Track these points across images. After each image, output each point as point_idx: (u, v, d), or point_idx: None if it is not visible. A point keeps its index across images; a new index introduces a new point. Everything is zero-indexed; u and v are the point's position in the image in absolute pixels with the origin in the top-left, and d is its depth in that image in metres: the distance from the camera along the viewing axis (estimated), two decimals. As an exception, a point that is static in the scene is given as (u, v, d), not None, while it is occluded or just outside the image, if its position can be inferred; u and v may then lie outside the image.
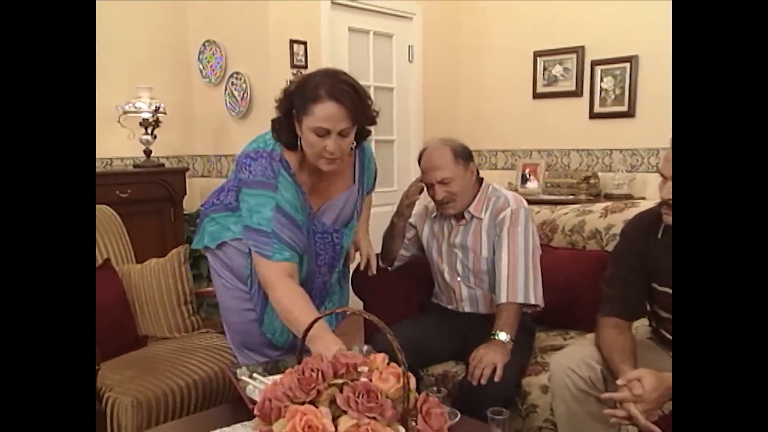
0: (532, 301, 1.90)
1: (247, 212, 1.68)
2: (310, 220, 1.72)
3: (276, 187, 1.65)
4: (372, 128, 1.75)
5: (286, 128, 1.65)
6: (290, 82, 1.70)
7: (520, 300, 1.88)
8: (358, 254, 2.08)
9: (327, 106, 1.55)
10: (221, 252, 1.82)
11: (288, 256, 1.65)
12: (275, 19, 3.50)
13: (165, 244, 3.40)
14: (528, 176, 4.21)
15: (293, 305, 1.59)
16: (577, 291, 2.15)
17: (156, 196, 3.38)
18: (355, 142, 1.71)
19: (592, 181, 3.80)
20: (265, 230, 1.64)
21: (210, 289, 2.45)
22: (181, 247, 2.33)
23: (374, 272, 2.07)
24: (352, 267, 2.12)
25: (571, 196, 3.82)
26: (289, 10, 3.54)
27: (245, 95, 3.60)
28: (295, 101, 1.61)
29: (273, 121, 1.69)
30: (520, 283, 1.89)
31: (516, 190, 4.06)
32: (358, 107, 1.59)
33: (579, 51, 4.04)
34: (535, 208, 2.50)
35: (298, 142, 1.63)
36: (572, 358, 1.58)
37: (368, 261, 2.07)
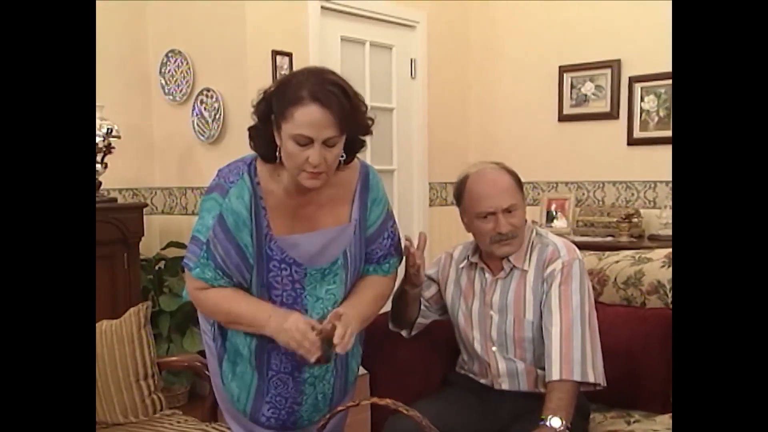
0: (591, 379, 1.79)
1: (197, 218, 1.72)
2: (265, 242, 1.67)
3: (227, 192, 1.66)
4: (367, 139, 1.74)
5: (263, 136, 1.65)
6: (271, 84, 1.69)
7: (577, 378, 1.77)
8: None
9: (310, 110, 1.53)
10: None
11: (210, 276, 1.66)
12: (254, 25, 3.45)
13: (116, 297, 3.29)
14: (555, 213, 4.15)
15: (231, 301, 1.66)
16: (639, 360, 2.05)
17: (106, 237, 3.24)
18: (344, 156, 1.67)
19: (634, 219, 3.73)
20: (200, 238, 1.66)
21: (176, 358, 2.30)
22: (141, 306, 2.19)
23: (342, 345, 1.61)
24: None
25: (609, 237, 3.75)
26: (270, 15, 3.50)
27: (217, 116, 3.54)
28: (274, 104, 1.60)
29: (249, 129, 1.70)
30: (577, 356, 1.78)
31: (541, 230, 3.97)
32: (348, 113, 1.57)
33: (614, 65, 4.02)
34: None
35: (277, 154, 1.63)
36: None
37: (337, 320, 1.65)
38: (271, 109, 1.60)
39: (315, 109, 1.53)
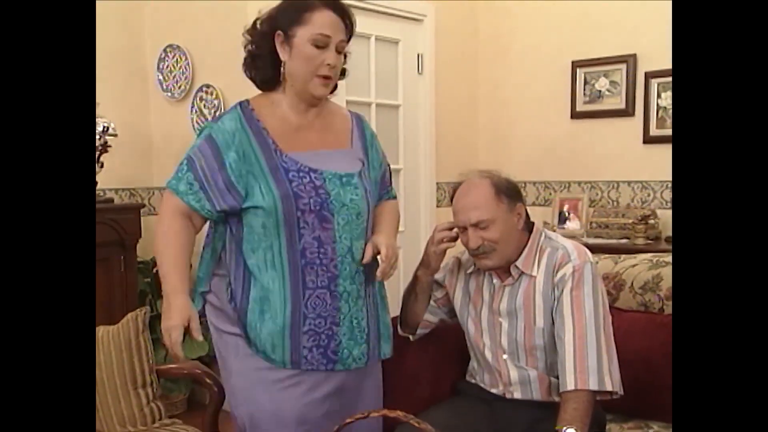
0: (609, 387, 1.78)
1: None
2: (277, 156, 1.75)
3: (219, 118, 1.79)
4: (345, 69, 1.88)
5: (265, 58, 1.78)
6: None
7: (593, 387, 1.76)
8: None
9: (327, 13, 1.72)
10: (211, 294, 1.86)
11: (182, 189, 1.72)
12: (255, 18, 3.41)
13: (113, 300, 3.28)
14: (567, 214, 4.13)
15: (166, 245, 1.73)
16: (658, 368, 2.04)
17: (102, 239, 3.23)
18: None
19: (651, 221, 3.71)
20: (185, 156, 1.75)
21: (175, 366, 2.30)
22: (139, 311, 2.19)
23: (382, 272, 1.79)
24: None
25: (625, 240, 3.74)
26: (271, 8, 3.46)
27: (217, 113, 3.48)
28: (279, 21, 1.75)
29: (246, 56, 1.84)
30: (592, 364, 1.77)
31: (554, 231, 3.95)
32: (352, 25, 1.79)
33: (629, 60, 3.99)
34: (594, 257, 2.40)
35: (282, 70, 1.76)
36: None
37: (377, 252, 1.80)
38: (275, 26, 1.74)
39: (331, 13, 1.73)
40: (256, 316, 1.77)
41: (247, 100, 1.83)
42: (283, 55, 1.75)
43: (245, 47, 1.84)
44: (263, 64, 1.79)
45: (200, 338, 1.68)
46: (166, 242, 1.74)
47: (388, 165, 2.05)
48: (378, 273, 1.78)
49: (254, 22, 1.82)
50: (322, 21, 1.71)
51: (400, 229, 3.87)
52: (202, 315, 1.90)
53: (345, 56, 1.84)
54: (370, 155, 1.92)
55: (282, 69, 1.77)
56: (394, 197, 2.06)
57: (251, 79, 1.85)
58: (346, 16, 1.77)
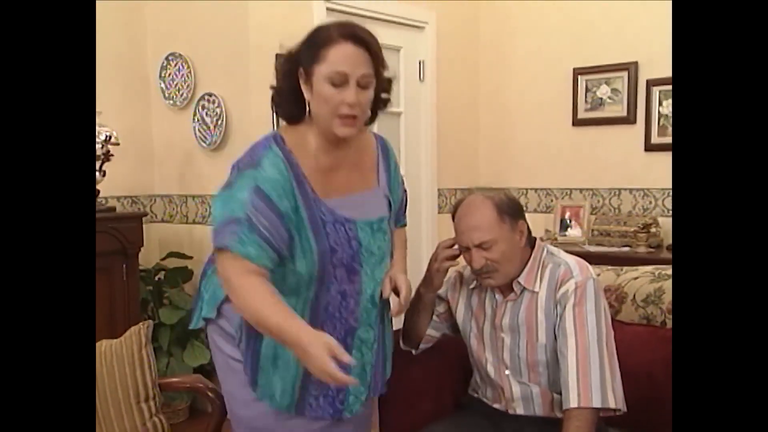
0: (612, 405, 1.77)
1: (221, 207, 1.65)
2: (316, 207, 1.67)
3: (258, 163, 1.63)
4: (387, 97, 1.78)
5: (289, 94, 1.68)
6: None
7: (597, 404, 1.75)
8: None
9: (343, 47, 1.59)
10: (222, 319, 1.77)
11: (253, 253, 1.57)
12: (257, 27, 3.44)
13: (114, 310, 3.28)
14: (569, 221, 4.13)
15: (261, 301, 1.55)
16: (660, 383, 2.02)
17: (104, 248, 3.23)
18: (369, 113, 1.72)
19: (653, 229, 3.71)
20: (235, 216, 1.59)
21: (177, 379, 2.30)
22: (142, 325, 2.18)
23: (399, 307, 1.84)
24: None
25: (626, 248, 3.74)
26: (274, 17, 3.49)
27: (219, 122, 3.52)
28: (301, 57, 1.64)
29: (273, 91, 1.74)
30: (595, 381, 1.77)
31: (555, 239, 3.96)
32: (378, 53, 1.64)
33: (631, 68, 4.00)
34: (594, 269, 2.39)
35: (306, 107, 1.67)
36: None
37: (395, 289, 1.82)
38: (298, 63, 1.64)
39: (349, 45, 1.59)
40: (269, 362, 1.73)
41: (281, 137, 1.70)
42: (306, 94, 1.65)
43: (276, 78, 1.75)
44: (287, 101, 1.70)
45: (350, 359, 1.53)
46: (257, 299, 1.56)
47: (405, 191, 1.98)
48: (394, 312, 1.81)
49: (276, 57, 1.75)
50: (337, 57, 1.58)
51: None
52: (202, 330, 1.89)
53: (388, 82, 1.73)
54: (392, 187, 1.87)
55: (308, 107, 1.68)
56: (405, 225, 2.02)
57: (277, 114, 1.77)
58: (368, 47, 1.61)
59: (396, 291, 1.81)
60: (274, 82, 1.74)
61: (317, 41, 1.61)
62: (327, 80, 1.59)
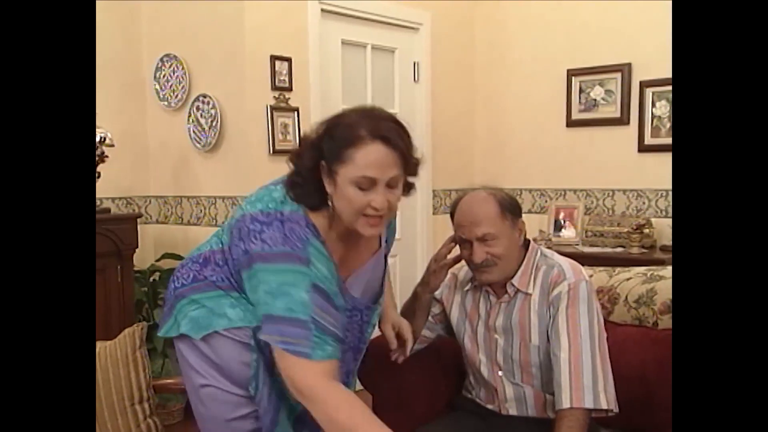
0: (604, 405, 1.78)
1: (267, 296, 1.52)
2: (342, 297, 1.64)
3: (308, 260, 1.52)
4: (413, 181, 1.66)
5: (310, 184, 1.56)
6: (312, 129, 1.62)
7: (589, 405, 1.76)
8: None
9: (373, 149, 1.47)
10: (205, 344, 1.67)
11: (331, 352, 1.51)
12: (252, 29, 3.44)
13: (109, 311, 3.27)
14: (563, 222, 4.13)
15: (358, 422, 1.45)
16: (652, 383, 2.03)
17: (99, 249, 3.22)
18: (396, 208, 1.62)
19: (646, 230, 3.72)
20: (301, 318, 1.49)
21: (172, 381, 2.30)
22: (136, 326, 2.18)
23: (406, 355, 1.97)
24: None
25: (620, 248, 3.74)
26: (269, 18, 3.49)
27: (214, 123, 3.52)
28: (325, 148, 1.52)
29: (290, 178, 1.60)
30: (587, 382, 1.78)
31: (549, 240, 3.97)
32: (409, 150, 1.53)
33: (624, 69, 4.01)
34: (587, 270, 2.40)
35: (329, 202, 1.55)
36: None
37: (401, 339, 1.94)
38: (320, 155, 1.53)
39: (379, 147, 1.47)
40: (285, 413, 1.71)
41: (313, 224, 1.57)
42: (328, 188, 1.53)
43: (293, 162, 1.62)
44: (310, 190, 1.56)
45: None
46: (354, 412, 1.48)
47: (394, 233, 1.93)
48: (399, 358, 1.91)
49: (299, 147, 1.61)
50: (367, 161, 1.46)
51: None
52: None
53: (416, 165, 1.60)
54: (389, 237, 1.84)
55: (330, 199, 1.55)
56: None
57: (298, 202, 1.57)
58: (400, 147, 1.49)
59: (401, 340, 1.91)
60: (291, 165, 1.61)
61: (344, 138, 1.49)
62: (353, 183, 1.48)
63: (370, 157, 1.47)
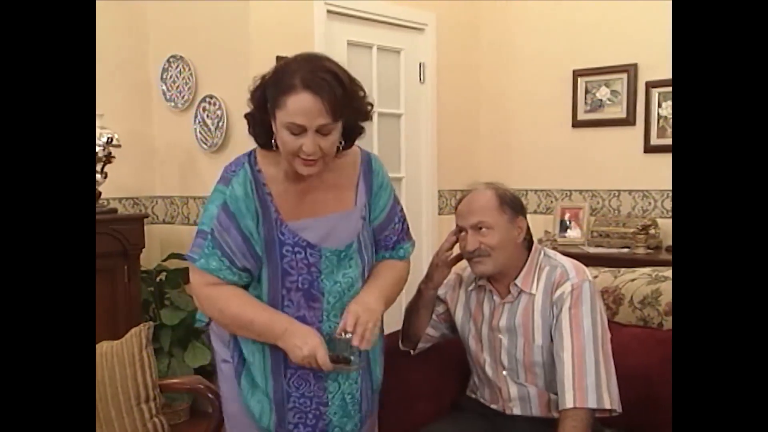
0: (607, 405, 1.79)
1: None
2: (276, 227, 1.69)
3: (230, 180, 1.69)
4: (365, 124, 1.76)
5: (260, 124, 1.69)
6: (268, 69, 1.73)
7: (591, 405, 1.77)
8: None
9: (301, 98, 1.56)
10: (214, 324, 1.80)
11: (214, 267, 1.66)
12: (258, 30, 3.46)
13: (116, 311, 3.30)
14: (568, 223, 4.13)
15: (243, 304, 1.66)
16: (657, 384, 2.02)
17: (106, 249, 3.25)
18: (343, 142, 1.70)
19: (651, 230, 3.71)
20: (204, 230, 1.68)
21: (178, 380, 2.32)
22: (143, 326, 2.20)
23: (361, 343, 1.66)
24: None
25: (625, 249, 3.74)
26: (275, 19, 3.50)
27: (220, 124, 3.54)
28: (268, 92, 1.63)
29: (246, 116, 1.74)
30: (590, 382, 1.78)
31: (554, 240, 3.97)
32: (342, 100, 1.60)
33: (630, 70, 4.00)
34: (592, 271, 2.40)
35: (273, 141, 1.66)
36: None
37: (353, 323, 1.67)
38: (266, 96, 1.63)
39: (307, 96, 1.55)
40: (248, 378, 1.76)
41: (255, 156, 1.73)
42: (273, 127, 1.63)
43: (249, 103, 1.74)
44: (261, 130, 1.69)
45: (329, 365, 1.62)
46: (234, 304, 1.67)
47: (401, 219, 1.88)
48: (354, 342, 1.64)
49: (256, 80, 1.70)
50: (295, 107, 1.55)
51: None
52: (203, 331, 1.91)
53: (364, 111, 1.71)
54: (373, 206, 1.81)
55: (274, 139, 1.66)
56: (401, 258, 1.89)
57: (253, 137, 1.74)
58: (328, 97, 1.56)
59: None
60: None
61: (280, 85, 1.58)
62: (286, 128, 1.58)
63: (298, 105, 1.55)
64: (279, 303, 1.70)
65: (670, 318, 2.20)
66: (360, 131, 1.76)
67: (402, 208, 1.91)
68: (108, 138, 3.31)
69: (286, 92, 1.56)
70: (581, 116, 4.22)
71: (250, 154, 1.74)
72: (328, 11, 3.68)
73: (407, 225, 1.92)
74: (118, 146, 3.38)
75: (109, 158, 3.34)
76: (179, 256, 3.60)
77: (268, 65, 3.46)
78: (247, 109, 1.74)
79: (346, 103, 1.61)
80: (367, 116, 1.74)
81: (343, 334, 1.65)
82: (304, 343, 1.61)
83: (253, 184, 1.69)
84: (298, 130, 1.57)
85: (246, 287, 1.72)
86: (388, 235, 1.86)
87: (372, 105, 1.74)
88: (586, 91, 4.19)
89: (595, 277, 2.40)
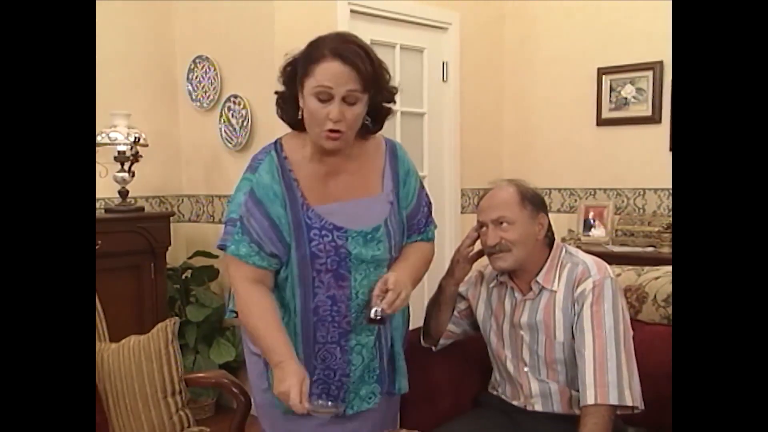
0: (629, 402, 1.78)
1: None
2: (303, 211, 1.73)
3: (256, 168, 1.74)
4: (391, 106, 1.79)
5: (289, 101, 1.74)
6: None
7: (613, 401, 1.77)
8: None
9: (330, 65, 1.62)
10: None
11: (244, 252, 1.70)
12: (282, 30, 3.48)
13: (143, 307, 3.35)
14: (592, 221, 4.11)
15: (258, 319, 1.71)
16: (679, 383, 2.01)
17: (133, 247, 3.32)
18: (369, 119, 1.75)
19: (676, 229, 3.68)
20: (234, 217, 1.72)
21: (203, 375, 2.36)
22: (169, 321, 2.23)
23: (390, 306, 1.70)
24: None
25: (650, 248, 3.71)
26: (299, 19, 3.52)
27: (245, 123, 3.57)
28: (299, 65, 1.68)
29: (277, 94, 1.79)
30: (612, 379, 1.78)
31: (578, 239, 3.96)
32: (370, 71, 1.64)
33: (656, 67, 3.97)
34: (615, 269, 2.39)
35: (300, 116, 1.71)
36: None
37: (386, 289, 1.71)
38: (297, 71, 1.68)
39: (336, 63, 1.61)
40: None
41: (281, 143, 1.79)
42: (301, 102, 1.69)
43: (278, 80, 1.79)
44: (289, 107, 1.75)
45: (306, 406, 1.62)
46: (254, 314, 1.72)
47: (428, 203, 1.94)
48: (384, 304, 1.69)
49: (287, 58, 1.76)
50: (324, 73, 1.61)
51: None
52: (227, 328, 1.95)
53: (390, 92, 1.75)
54: (401, 193, 1.84)
55: (301, 114, 1.71)
56: (429, 239, 1.96)
57: (281, 118, 1.80)
58: (357, 65, 1.62)
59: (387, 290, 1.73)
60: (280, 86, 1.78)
61: (311, 55, 1.65)
62: (314, 94, 1.63)
63: (327, 71, 1.61)
64: (310, 286, 1.74)
65: (693, 316, 2.19)
66: (387, 112, 1.80)
67: (427, 192, 1.96)
68: (136, 137, 3.36)
69: (316, 61, 1.63)
70: (606, 114, 4.20)
71: (276, 142, 1.79)
72: (352, 11, 3.70)
73: (432, 207, 1.97)
74: (146, 145, 3.44)
75: (136, 157, 3.39)
76: (205, 254, 3.66)
77: (292, 65, 3.52)
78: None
79: (374, 78, 1.66)
80: (392, 97, 1.78)
81: (378, 302, 1.70)
82: (283, 381, 1.63)
83: (280, 170, 1.73)
84: (326, 96, 1.62)
85: (277, 273, 1.76)
86: (419, 219, 1.91)
87: (396, 90, 1.78)
88: (611, 89, 4.16)
89: (618, 275, 2.39)
